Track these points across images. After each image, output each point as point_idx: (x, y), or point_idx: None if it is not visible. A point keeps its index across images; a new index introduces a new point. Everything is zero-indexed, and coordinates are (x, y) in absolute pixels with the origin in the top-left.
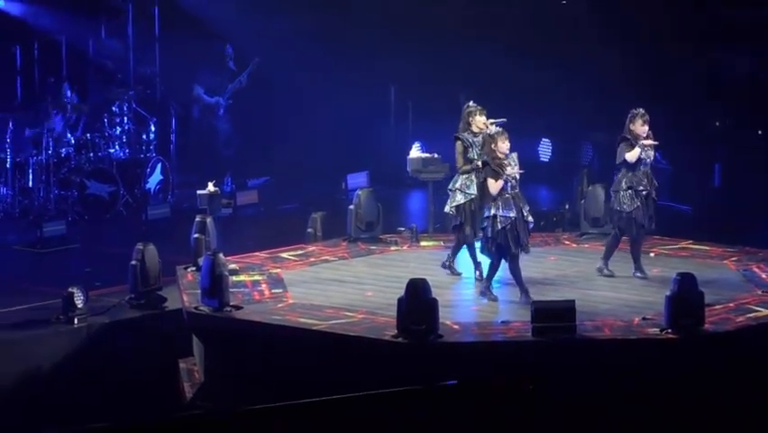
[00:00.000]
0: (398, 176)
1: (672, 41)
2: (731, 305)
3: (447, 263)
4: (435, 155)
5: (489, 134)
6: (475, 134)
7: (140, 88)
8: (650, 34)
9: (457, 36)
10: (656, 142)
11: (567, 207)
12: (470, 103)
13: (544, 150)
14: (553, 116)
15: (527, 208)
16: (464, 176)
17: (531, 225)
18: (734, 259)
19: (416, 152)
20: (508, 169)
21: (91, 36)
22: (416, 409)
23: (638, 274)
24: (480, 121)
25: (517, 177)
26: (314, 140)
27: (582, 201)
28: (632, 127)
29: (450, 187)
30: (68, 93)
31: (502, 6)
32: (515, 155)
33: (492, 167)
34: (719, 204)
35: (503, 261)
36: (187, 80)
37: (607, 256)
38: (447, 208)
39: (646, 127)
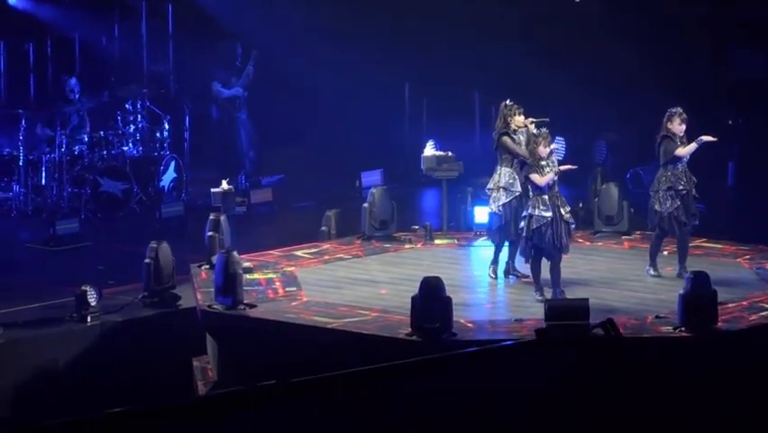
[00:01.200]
0: (413, 174)
1: (686, 40)
2: (744, 303)
3: (508, 269)
4: (449, 153)
5: (534, 135)
6: (514, 132)
7: (153, 86)
8: (663, 33)
9: (471, 34)
10: (715, 139)
11: (581, 205)
12: (508, 101)
13: (558, 148)
14: (566, 115)
15: (567, 209)
16: (507, 174)
17: (572, 226)
18: (747, 257)
19: (430, 150)
20: (549, 173)
21: (104, 34)
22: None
23: (683, 273)
24: (518, 120)
25: (556, 179)
26: (328, 138)
27: (596, 199)
28: (670, 126)
29: (490, 186)
30: (76, 89)
31: (516, 6)
32: (554, 157)
33: (533, 165)
34: (733, 202)
35: (543, 260)
36: (200, 77)
37: (653, 257)
38: (494, 208)
39: (684, 126)
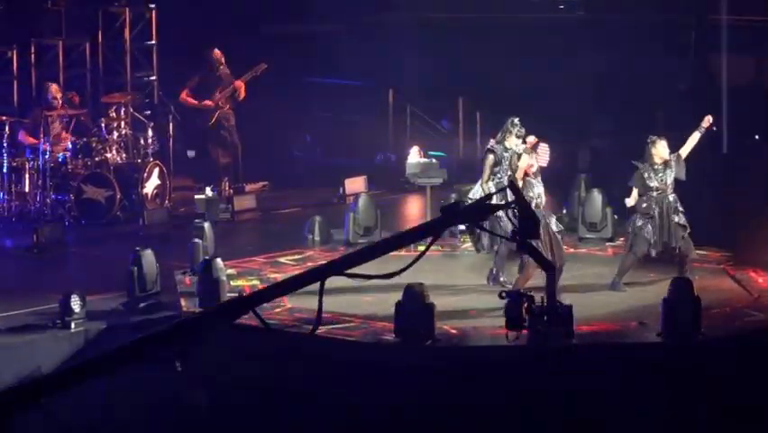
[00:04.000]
0: (396, 180)
1: (669, 47)
2: (727, 309)
3: (496, 276)
4: (433, 160)
5: (516, 153)
6: (506, 149)
7: (137, 93)
8: (647, 40)
9: (456, 41)
10: (711, 121)
11: (565, 211)
12: (515, 120)
13: (542, 155)
14: (551, 122)
15: (554, 219)
16: (484, 186)
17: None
18: (730, 264)
19: (414, 156)
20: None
21: (88, 41)
22: None
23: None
24: (512, 141)
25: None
26: (311, 144)
27: (580, 206)
28: (654, 152)
29: (470, 196)
30: (59, 96)
31: (501, 12)
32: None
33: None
34: (718, 209)
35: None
36: (184, 84)
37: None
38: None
39: (667, 149)
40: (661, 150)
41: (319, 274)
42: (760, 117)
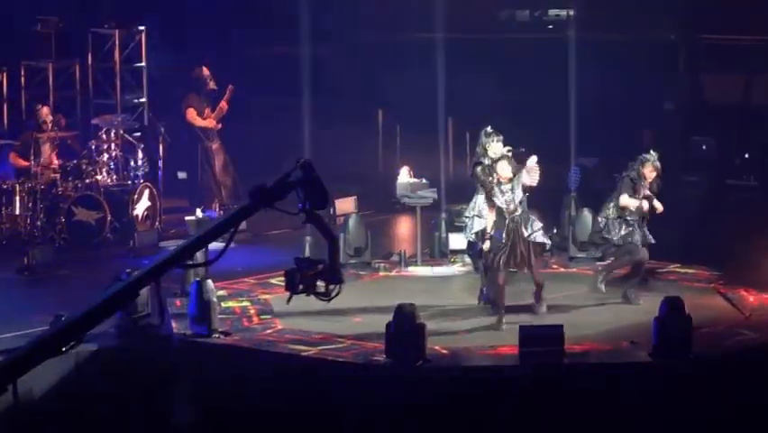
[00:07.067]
0: (387, 201)
1: (657, 66)
2: (719, 328)
3: (487, 295)
4: (423, 180)
5: (492, 161)
6: (492, 160)
7: (127, 115)
8: (635, 59)
9: (445, 61)
10: (661, 209)
11: (555, 231)
12: (489, 129)
13: (533, 174)
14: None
15: (536, 227)
16: (481, 201)
17: (541, 244)
18: (721, 282)
19: (404, 176)
20: (498, 198)
21: (78, 63)
22: None
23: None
24: (497, 148)
25: (517, 201)
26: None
27: (570, 226)
28: (642, 170)
29: (466, 214)
30: (49, 118)
31: (489, 32)
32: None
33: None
34: (708, 229)
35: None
36: (173, 106)
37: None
38: (468, 236)
39: (654, 173)
40: (648, 173)
41: (157, 270)
42: (748, 136)
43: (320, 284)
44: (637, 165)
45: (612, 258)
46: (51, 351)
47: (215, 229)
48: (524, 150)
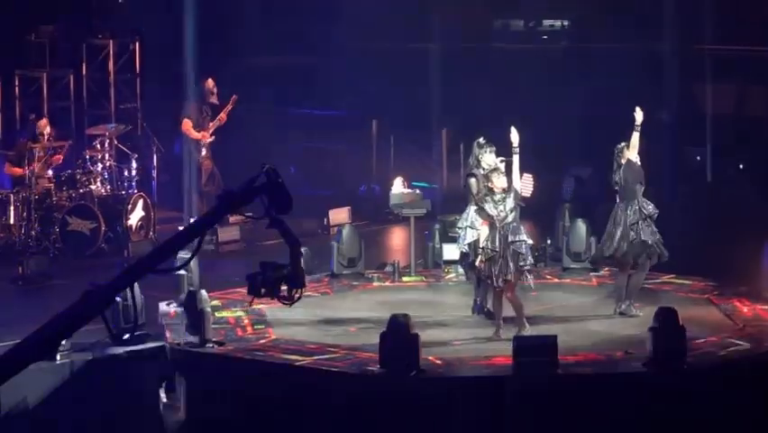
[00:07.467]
0: (380, 211)
1: (653, 76)
2: (713, 339)
3: (481, 306)
4: (417, 191)
5: (485, 173)
6: (485, 171)
7: (121, 125)
8: (631, 69)
9: (439, 71)
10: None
11: (549, 241)
12: (481, 140)
13: (526, 185)
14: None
15: (521, 237)
16: (473, 213)
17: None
18: (715, 293)
19: (398, 187)
20: (491, 209)
21: (72, 73)
22: None
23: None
24: (489, 159)
25: (507, 212)
26: (295, 175)
27: (564, 236)
28: (626, 154)
29: (459, 225)
30: (47, 131)
31: (485, 42)
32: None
33: (481, 206)
34: (702, 240)
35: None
36: (168, 116)
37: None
38: (461, 246)
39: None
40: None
41: (132, 275)
42: (744, 146)
43: (284, 288)
44: (617, 156)
45: (640, 265)
46: (22, 364)
47: (185, 233)
48: (509, 159)
